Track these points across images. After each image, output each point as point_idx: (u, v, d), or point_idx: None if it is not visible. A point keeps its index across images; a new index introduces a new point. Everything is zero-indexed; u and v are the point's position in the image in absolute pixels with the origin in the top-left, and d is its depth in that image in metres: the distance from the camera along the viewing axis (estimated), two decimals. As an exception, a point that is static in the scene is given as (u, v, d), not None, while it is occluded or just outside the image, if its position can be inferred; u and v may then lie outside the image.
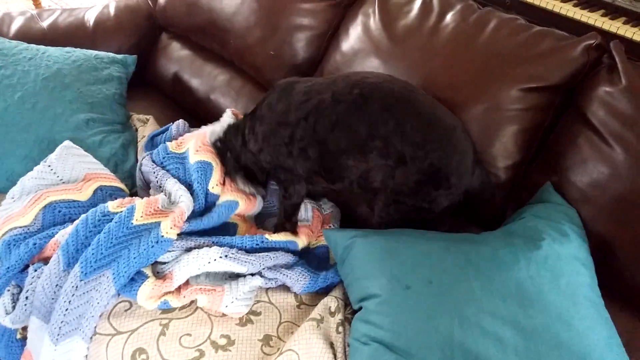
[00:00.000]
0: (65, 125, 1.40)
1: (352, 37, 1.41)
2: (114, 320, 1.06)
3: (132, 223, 1.12)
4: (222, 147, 1.33)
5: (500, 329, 0.92)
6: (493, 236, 1.08)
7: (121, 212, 1.14)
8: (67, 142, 1.35)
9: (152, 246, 1.09)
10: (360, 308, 1.03)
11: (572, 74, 1.16)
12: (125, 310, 1.07)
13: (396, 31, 1.32)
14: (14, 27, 1.70)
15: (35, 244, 1.13)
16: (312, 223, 1.33)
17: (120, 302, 1.08)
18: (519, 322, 0.93)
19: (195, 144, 1.34)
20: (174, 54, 1.87)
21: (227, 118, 1.42)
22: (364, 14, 1.41)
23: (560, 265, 1.00)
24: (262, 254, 1.15)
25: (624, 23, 1.88)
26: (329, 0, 1.51)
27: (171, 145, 1.38)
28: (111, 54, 1.66)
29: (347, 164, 1.14)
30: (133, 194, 1.40)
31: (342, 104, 1.12)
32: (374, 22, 1.37)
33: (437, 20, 1.29)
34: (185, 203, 1.18)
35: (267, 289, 1.16)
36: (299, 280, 1.14)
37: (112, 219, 1.13)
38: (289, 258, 1.18)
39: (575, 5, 2.00)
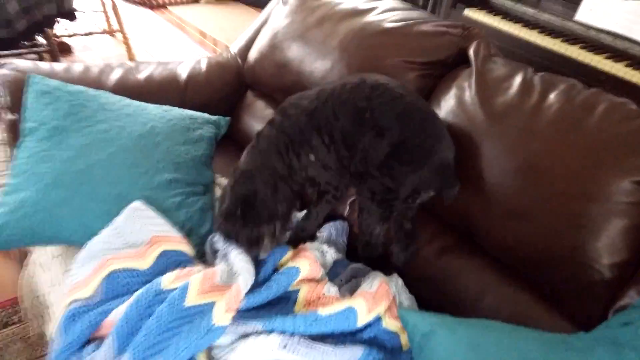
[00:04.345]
0: (148, 184, 1.40)
1: (444, 110, 1.36)
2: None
3: (183, 305, 1.05)
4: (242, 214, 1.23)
5: None
6: (599, 345, 0.95)
7: (174, 290, 1.08)
8: (136, 203, 1.33)
9: (202, 337, 1.01)
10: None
11: (693, 169, 1.05)
12: None
13: (494, 108, 1.26)
14: (113, 77, 1.76)
15: (91, 321, 1.09)
16: (377, 291, 1.18)
17: None
18: None
19: None
20: (259, 112, 1.88)
21: None
22: (458, 87, 1.36)
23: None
24: (325, 347, 1.04)
25: None
26: (419, 71, 1.47)
27: None
28: (206, 115, 1.68)
29: (360, 146, 1.25)
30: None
31: (347, 86, 1.27)
32: (469, 96, 1.32)
33: (539, 99, 1.22)
34: (243, 277, 1.11)
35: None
36: None
37: (165, 298, 1.07)
38: (355, 352, 1.05)
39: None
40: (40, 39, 3.29)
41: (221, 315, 1.04)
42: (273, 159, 1.27)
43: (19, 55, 3.09)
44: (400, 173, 1.25)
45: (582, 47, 2.29)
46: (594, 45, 2.29)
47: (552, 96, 1.21)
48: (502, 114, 1.25)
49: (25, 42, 3.15)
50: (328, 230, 1.46)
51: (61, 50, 3.66)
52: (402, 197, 1.28)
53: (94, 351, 1.07)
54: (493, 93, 1.29)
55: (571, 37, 2.38)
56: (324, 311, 1.09)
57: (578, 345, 0.95)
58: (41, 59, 3.33)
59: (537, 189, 1.15)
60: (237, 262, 1.19)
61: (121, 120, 1.49)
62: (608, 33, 2.26)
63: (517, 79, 1.28)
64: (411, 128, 1.24)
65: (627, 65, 2.13)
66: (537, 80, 1.27)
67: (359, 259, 1.40)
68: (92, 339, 1.11)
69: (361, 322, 1.11)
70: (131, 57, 3.80)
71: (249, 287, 1.12)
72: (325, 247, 1.34)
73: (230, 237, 1.21)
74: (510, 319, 1.13)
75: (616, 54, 2.22)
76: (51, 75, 1.58)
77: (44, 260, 1.47)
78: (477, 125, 1.27)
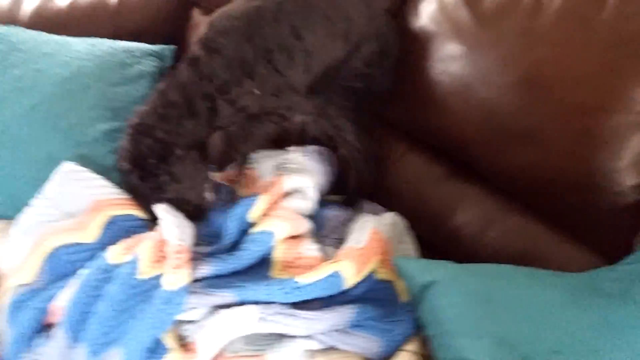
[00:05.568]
0: (81, 139, 1.17)
1: (424, 17, 1.13)
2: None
3: (135, 279, 0.91)
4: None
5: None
6: (632, 283, 0.82)
7: (124, 264, 0.93)
8: (66, 165, 1.12)
9: (161, 310, 0.87)
10: (454, 375, 0.81)
11: None
12: None
13: (483, 9, 1.04)
14: (28, 7, 1.49)
15: (36, 309, 0.94)
16: (366, 245, 1.02)
17: None
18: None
19: None
20: (207, 33, 1.62)
21: None
22: (438, -13, 1.13)
23: None
24: (310, 313, 0.90)
25: None
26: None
27: None
28: (144, 45, 1.42)
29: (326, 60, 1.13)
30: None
31: None
32: (452, -4, 1.10)
33: (538, -7, 1.01)
34: (167, 228, 0.96)
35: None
36: (367, 348, 0.90)
37: (115, 275, 0.92)
38: (346, 314, 0.92)
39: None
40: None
41: (170, 277, 0.89)
42: (189, 125, 1.04)
43: None
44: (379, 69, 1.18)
45: None
46: None
47: (554, -12, 1.00)
48: (493, 15, 1.03)
49: None
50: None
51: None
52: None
53: (45, 343, 0.93)
54: (480, -10, 1.07)
55: None
56: (303, 279, 0.94)
57: (609, 290, 0.81)
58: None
59: (543, 104, 0.97)
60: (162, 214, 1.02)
61: (39, 62, 1.24)
62: None
63: (509, -30, 1.06)
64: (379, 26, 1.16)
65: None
66: (534, -31, 1.04)
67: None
68: (47, 325, 0.96)
69: (348, 285, 0.97)
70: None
71: (177, 237, 0.95)
72: (307, 182, 1.13)
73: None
74: (521, 254, 1.01)
75: None
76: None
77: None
78: (464, 31, 1.06)
